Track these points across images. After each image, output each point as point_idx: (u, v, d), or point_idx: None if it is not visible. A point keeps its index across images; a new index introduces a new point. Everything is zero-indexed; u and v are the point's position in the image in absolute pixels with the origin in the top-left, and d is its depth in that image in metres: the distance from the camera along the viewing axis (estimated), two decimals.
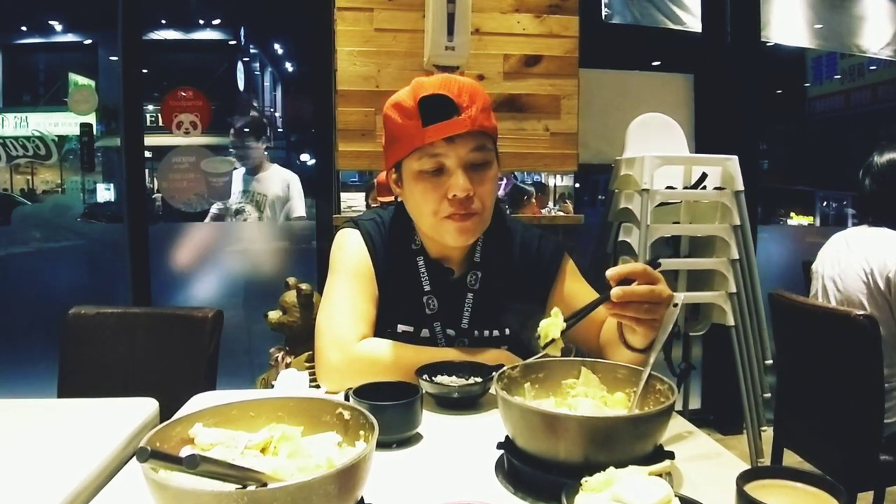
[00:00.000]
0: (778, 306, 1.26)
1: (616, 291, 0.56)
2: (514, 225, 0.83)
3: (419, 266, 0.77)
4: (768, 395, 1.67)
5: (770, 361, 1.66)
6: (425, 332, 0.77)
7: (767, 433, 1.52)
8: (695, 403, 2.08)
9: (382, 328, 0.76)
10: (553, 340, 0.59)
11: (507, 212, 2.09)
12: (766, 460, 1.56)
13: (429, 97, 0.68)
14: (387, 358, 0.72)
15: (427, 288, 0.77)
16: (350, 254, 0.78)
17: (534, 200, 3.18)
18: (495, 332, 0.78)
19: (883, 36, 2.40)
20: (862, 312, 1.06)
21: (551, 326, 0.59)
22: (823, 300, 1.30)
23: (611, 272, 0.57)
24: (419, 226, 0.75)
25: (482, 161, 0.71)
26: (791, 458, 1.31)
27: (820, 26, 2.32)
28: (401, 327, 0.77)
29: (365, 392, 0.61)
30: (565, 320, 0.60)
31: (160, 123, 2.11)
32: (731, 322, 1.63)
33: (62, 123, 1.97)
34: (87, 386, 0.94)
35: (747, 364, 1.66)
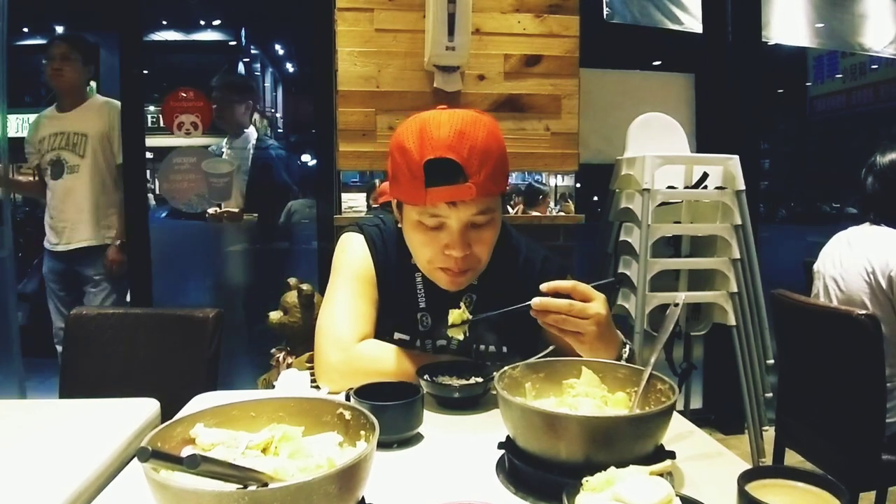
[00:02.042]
0: (779, 306, 1.26)
1: (536, 300, 0.61)
2: (520, 243, 0.82)
3: (416, 282, 0.77)
4: (770, 394, 1.67)
5: (771, 361, 1.66)
6: (418, 344, 0.78)
7: (769, 433, 1.52)
8: (696, 403, 2.08)
9: (380, 335, 0.76)
10: (454, 325, 0.68)
11: (517, 210, 2.06)
12: (768, 460, 1.56)
13: (435, 161, 0.65)
14: (387, 358, 0.72)
15: (422, 305, 0.77)
16: (353, 257, 0.78)
17: (549, 199, 3.27)
18: (491, 348, 0.78)
19: (885, 34, 2.39)
20: (864, 312, 1.06)
21: (455, 314, 0.68)
22: (825, 300, 1.30)
23: (544, 285, 0.62)
24: (416, 262, 0.75)
25: (484, 221, 0.70)
26: (793, 458, 1.30)
27: (821, 25, 2.32)
28: (397, 335, 0.78)
29: (366, 392, 0.61)
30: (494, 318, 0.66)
31: (161, 124, 2.12)
32: (733, 322, 1.62)
33: None
34: (88, 386, 0.94)
35: (749, 364, 1.66)
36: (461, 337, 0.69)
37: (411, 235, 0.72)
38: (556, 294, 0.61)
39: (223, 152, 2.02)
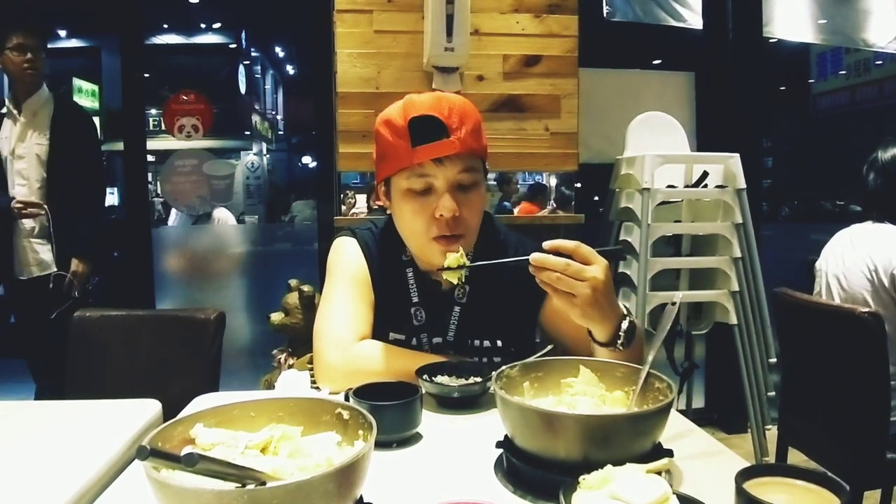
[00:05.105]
0: (781, 304, 1.25)
1: (534, 255, 0.60)
2: (509, 237, 0.83)
3: (408, 277, 0.78)
4: (772, 393, 1.66)
5: (774, 360, 1.65)
6: (414, 342, 0.78)
7: (772, 432, 1.51)
8: (698, 402, 2.07)
9: (376, 336, 0.77)
10: (449, 268, 0.67)
11: (516, 208, 2.06)
12: (772, 459, 1.55)
13: (419, 118, 0.68)
14: (386, 358, 0.73)
15: (415, 299, 0.78)
16: (348, 260, 0.79)
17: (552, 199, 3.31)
18: (486, 343, 0.78)
19: (890, 30, 2.37)
20: (866, 310, 1.05)
21: (452, 258, 0.67)
22: (827, 298, 1.29)
23: (546, 243, 0.61)
24: (407, 243, 0.76)
25: (470, 182, 0.71)
26: (796, 457, 1.30)
27: (824, 21, 2.30)
28: (392, 335, 0.78)
29: (365, 392, 0.61)
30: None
31: (163, 127, 2.13)
32: (734, 320, 1.62)
33: None
34: (91, 387, 0.95)
35: (751, 362, 1.65)
36: (455, 281, 0.68)
37: (402, 209, 0.72)
38: (559, 253, 0.59)
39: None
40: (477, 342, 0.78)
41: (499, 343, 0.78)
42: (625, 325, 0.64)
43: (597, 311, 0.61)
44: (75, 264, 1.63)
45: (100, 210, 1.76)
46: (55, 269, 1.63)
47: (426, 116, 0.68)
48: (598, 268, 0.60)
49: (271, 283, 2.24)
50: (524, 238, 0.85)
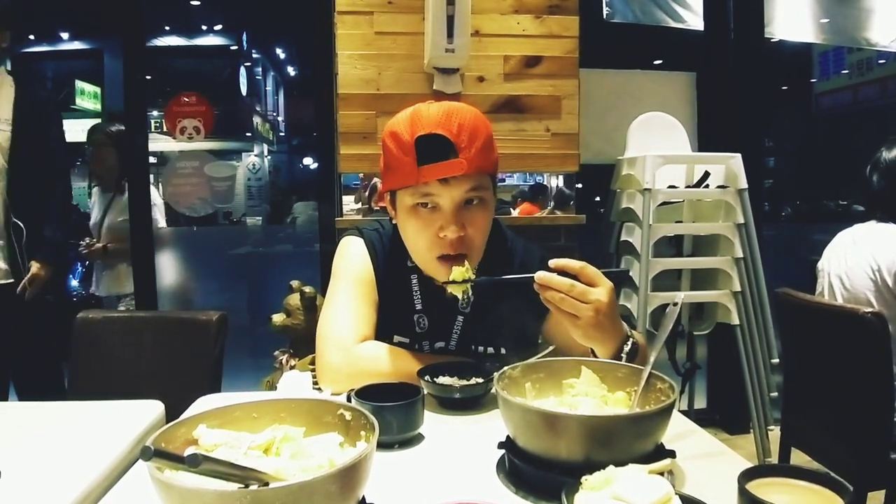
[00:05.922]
0: (783, 304, 1.25)
1: (539, 273, 0.59)
2: (515, 245, 0.83)
3: (412, 284, 0.78)
4: (775, 394, 1.66)
5: (776, 360, 1.65)
6: (416, 347, 0.78)
7: (775, 432, 1.51)
8: (700, 403, 2.07)
9: (379, 338, 0.77)
10: (454, 282, 0.67)
11: (517, 210, 2.06)
12: (774, 460, 1.54)
13: (426, 136, 0.66)
14: (388, 359, 0.73)
15: (418, 306, 0.78)
16: (353, 260, 0.79)
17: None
18: (489, 350, 0.78)
19: (892, 28, 2.36)
20: (870, 310, 1.05)
21: (458, 271, 0.67)
22: (830, 298, 1.29)
23: (552, 261, 0.60)
24: (412, 256, 0.76)
25: (476, 201, 0.71)
26: (799, 458, 1.29)
27: (826, 20, 2.30)
28: (397, 338, 0.78)
29: (367, 393, 0.62)
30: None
31: (164, 129, 2.14)
32: (736, 321, 1.62)
33: (69, 130, 1.99)
34: (94, 389, 0.95)
35: (753, 363, 1.65)
36: (460, 295, 0.68)
37: (406, 224, 0.72)
38: (564, 273, 0.59)
39: None
40: (480, 349, 0.79)
41: (502, 351, 0.79)
42: (627, 347, 0.63)
43: (599, 332, 0.61)
44: (36, 268, 1.41)
45: (67, 209, 1.57)
46: (11, 280, 1.39)
47: (433, 135, 0.66)
48: (602, 290, 0.60)
49: (273, 285, 2.25)
50: (530, 245, 0.84)
